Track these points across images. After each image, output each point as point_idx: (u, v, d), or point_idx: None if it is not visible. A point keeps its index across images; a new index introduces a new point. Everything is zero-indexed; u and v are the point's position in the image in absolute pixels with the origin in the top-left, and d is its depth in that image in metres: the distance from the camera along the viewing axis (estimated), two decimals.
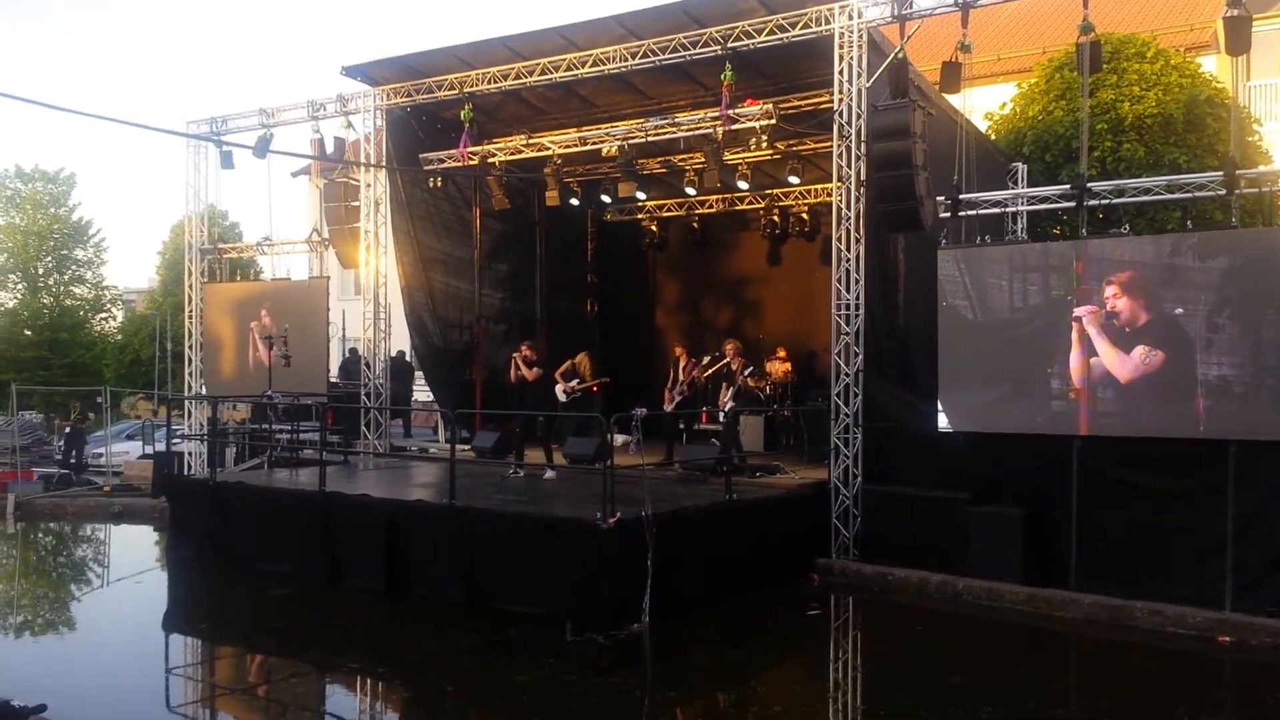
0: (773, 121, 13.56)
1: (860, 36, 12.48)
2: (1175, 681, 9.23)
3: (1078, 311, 11.13)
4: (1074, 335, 11.18)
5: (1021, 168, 16.58)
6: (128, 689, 8.99)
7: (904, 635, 10.67)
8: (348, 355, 18.22)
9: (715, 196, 19.34)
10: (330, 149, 17.04)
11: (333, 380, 18.39)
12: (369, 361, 16.93)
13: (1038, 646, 10.52)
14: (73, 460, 22.20)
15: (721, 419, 14.32)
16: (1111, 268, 11.02)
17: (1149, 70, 17.26)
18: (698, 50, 13.61)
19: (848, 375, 12.49)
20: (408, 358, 19.48)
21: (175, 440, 18.61)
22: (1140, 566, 10.52)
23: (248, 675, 10.02)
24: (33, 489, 19.96)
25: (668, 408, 15.58)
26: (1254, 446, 10.03)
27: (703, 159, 15.57)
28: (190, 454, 18.58)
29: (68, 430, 22.79)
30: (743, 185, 17.24)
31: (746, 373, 14.49)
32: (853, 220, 12.54)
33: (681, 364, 16.03)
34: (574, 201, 18.49)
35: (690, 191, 18.56)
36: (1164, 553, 10.44)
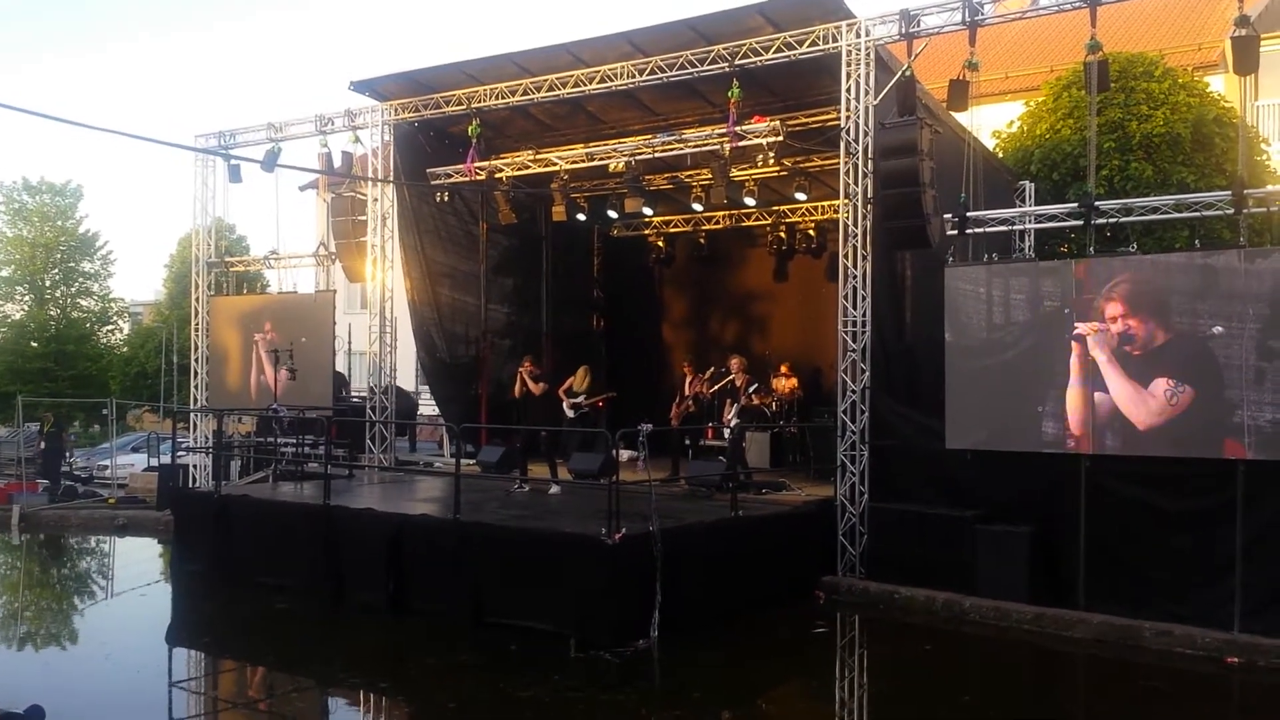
0: (780, 138, 13.58)
1: (868, 54, 12.50)
2: (1183, 702, 9.17)
3: (1079, 329, 10.72)
4: (1073, 360, 10.70)
5: (1029, 186, 16.54)
6: (131, 702, 8.96)
7: (911, 654, 10.60)
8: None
9: (722, 212, 19.37)
10: (338, 163, 17.08)
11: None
12: (374, 375, 16.93)
13: (1046, 666, 10.45)
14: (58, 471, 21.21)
15: (727, 435, 14.28)
16: (1124, 272, 10.39)
17: (1157, 89, 17.25)
18: (705, 67, 13.64)
19: (854, 392, 12.46)
20: (410, 389, 18.92)
21: (180, 453, 18.63)
22: (1148, 586, 10.45)
23: (250, 689, 9.99)
24: (37, 501, 19.96)
25: (675, 424, 15.56)
26: (1264, 466, 9.93)
27: (710, 175, 15.60)
28: (195, 467, 18.57)
29: (43, 445, 21.64)
30: (750, 201, 17.24)
31: (751, 389, 14.45)
32: (860, 237, 12.53)
33: (687, 379, 16.04)
34: (580, 217, 18.50)
35: (697, 207, 18.59)
36: (1172, 572, 10.37)
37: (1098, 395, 10.50)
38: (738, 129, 13.55)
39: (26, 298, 39.70)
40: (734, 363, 14.74)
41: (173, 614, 12.88)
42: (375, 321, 16.88)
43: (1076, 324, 10.81)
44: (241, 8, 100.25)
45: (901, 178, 11.62)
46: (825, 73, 13.13)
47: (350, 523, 12.02)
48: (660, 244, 20.80)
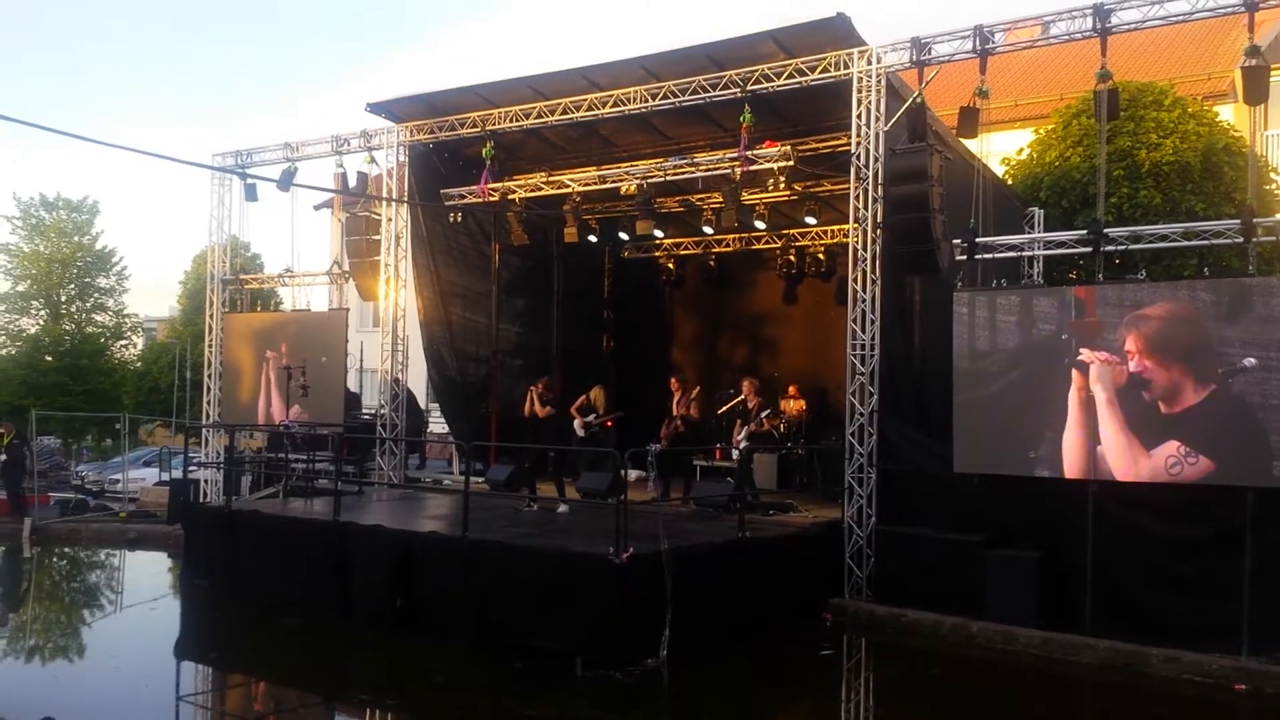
0: (791, 163, 13.68)
1: (879, 81, 12.61)
2: None
3: (1083, 356, 10.57)
4: (1072, 396, 10.52)
5: (1038, 213, 16.63)
6: (138, 715, 9.02)
7: (918, 679, 10.59)
8: None
9: (732, 235, 19.45)
10: (353, 183, 17.24)
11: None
12: (384, 393, 17.03)
13: (1053, 692, 10.40)
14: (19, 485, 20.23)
15: (735, 456, 14.28)
16: (1137, 298, 10.07)
17: (1166, 118, 17.33)
18: (717, 92, 13.76)
19: (863, 415, 12.50)
20: (420, 400, 18.97)
21: (192, 468, 18.73)
22: (1156, 612, 10.43)
23: (257, 703, 10.04)
24: (49, 514, 20.06)
25: (664, 445, 15.39)
26: (1272, 492, 9.92)
27: (720, 199, 15.69)
28: (206, 482, 18.67)
29: (4, 458, 20.21)
30: (760, 225, 17.34)
31: (764, 414, 14.46)
32: (869, 261, 12.61)
33: (675, 397, 15.76)
34: (592, 238, 18.62)
35: (708, 230, 18.64)
36: (1180, 598, 10.35)
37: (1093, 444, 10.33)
38: (749, 153, 13.65)
39: (42, 312, 39.95)
40: (746, 385, 14.75)
41: (181, 628, 12.94)
42: (387, 339, 16.99)
43: (1080, 350, 10.75)
44: (261, 26, 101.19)
45: (911, 203, 11.70)
46: (836, 99, 13.23)
47: (359, 539, 12.08)
48: (670, 266, 20.93)
